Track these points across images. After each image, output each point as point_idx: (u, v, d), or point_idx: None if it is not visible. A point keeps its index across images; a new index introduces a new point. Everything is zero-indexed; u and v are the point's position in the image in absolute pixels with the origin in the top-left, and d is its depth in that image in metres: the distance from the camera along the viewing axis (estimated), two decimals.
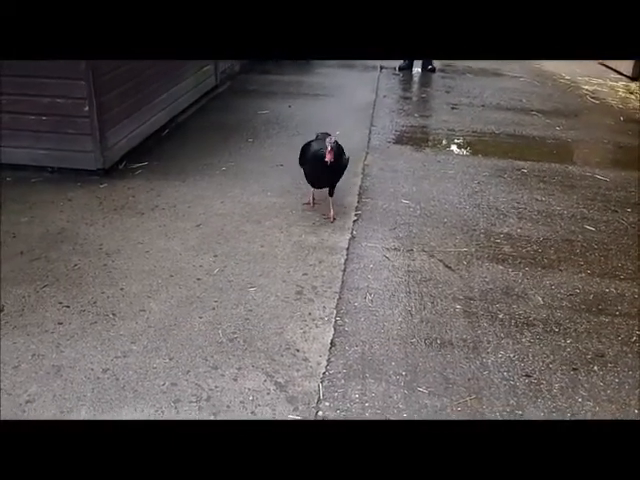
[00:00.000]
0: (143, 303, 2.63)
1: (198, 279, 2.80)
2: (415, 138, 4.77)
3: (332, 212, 3.37)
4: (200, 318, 2.54)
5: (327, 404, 2.12)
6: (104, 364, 2.29)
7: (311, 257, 2.98)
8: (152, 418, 2.06)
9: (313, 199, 3.52)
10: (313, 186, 3.46)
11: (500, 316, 2.60)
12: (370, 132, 4.78)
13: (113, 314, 2.56)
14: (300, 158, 3.51)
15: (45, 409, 2.07)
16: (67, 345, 2.37)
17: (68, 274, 2.81)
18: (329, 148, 3.13)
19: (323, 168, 3.21)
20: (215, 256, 2.98)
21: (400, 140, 4.71)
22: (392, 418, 2.07)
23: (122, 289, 2.72)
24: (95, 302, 2.63)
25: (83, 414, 2.07)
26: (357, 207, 3.52)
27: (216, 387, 2.19)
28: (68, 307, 2.59)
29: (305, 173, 3.44)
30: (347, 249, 3.06)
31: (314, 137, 3.59)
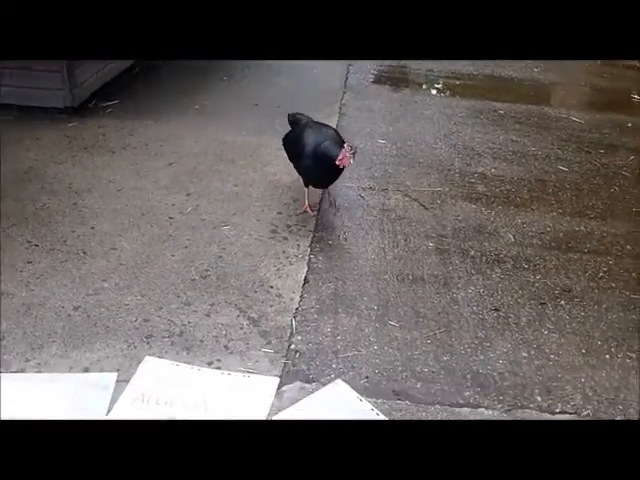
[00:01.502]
0: (114, 241, 2.61)
1: (170, 217, 2.77)
2: (393, 78, 4.70)
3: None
4: (172, 256, 2.53)
5: (299, 338, 2.15)
6: (75, 302, 2.28)
7: (286, 196, 2.97)
8: (124, 353, 2.07)
9: (310, 205, 2.85)
10: (314, 186, 2.84)
11: (471, 253, 2.63)
12: (348, 71, 4.70)
13: (84, 252, 2.53)
14: (289, 151, 2.86)
15: (15, 346, 2.07)
16: (37, 283, 2.35)
17: (37, 213, 2.77)
18: (347, 154, 2.48)
19: (331, 168, 2.56)
20: (188, 195, 2.95)
21: (378, 80, 4.64)
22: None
23: (93, 228, 2.69)
24: (65, 241, 2.60)
25: (54, 350, 2.07)
26: None
27: (189, 323, 2.20)
28: (37, 246, 2.56)
29: (301, 171, 2.78)
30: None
31: (287, 117, 3.02)
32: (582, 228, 2.85)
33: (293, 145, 2.81)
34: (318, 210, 2.87)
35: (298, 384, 2.00)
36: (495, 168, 3.33)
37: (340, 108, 4.00)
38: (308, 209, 2.84)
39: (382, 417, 1.91)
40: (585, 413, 1.96)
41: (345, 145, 2.50)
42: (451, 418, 1.92)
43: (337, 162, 2.48)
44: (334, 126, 3.67)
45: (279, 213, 2.83)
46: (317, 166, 2.62)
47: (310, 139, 2.65)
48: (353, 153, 2.49)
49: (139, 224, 2.72)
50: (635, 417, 1.96)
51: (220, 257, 2.53)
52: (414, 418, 1.91)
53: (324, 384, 2.00)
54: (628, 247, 2.74)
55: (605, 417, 1.95)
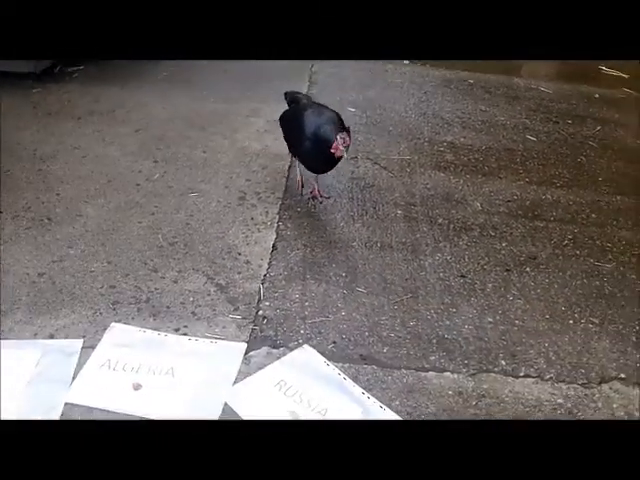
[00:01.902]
0: (80, 208, 2.57)
1: (137, 184, 2.74)
2: None
3: (317, 186, 2.72)
4: (139, 223, 2.50)
5: (267, 304, 2.16)
6: (40, 268, 2.25)
7: (254, 163, 2.94)
8: (90, 320, 2.06)
9: (302, 183, 2.74)
10: (310, 171, 2.66)
11: (439, 221, 2.65)
12: None
13: (48, 219, 2.49)
14: (286, 131, 2.71)
15: None
16: (1, 250, 2.31)
17: (0, 180, 2.71)
18: (340, 147, 2.35)
19: (327, 154, 2.39)
20: (155, 162, 2.91)
21: None
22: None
23: (58, 194, 2.64)
24: (29, 207, 2.55)
25: (19, 316, 2.05)
26: None
27: (156, 289, 2.19)
28: (1, 213, 2.51)
29: (298, 154, 2.65)
30: (292, 155, 3.02)
31: (284, 96, 2.85)
32: (548, 197, 2.88)
33: (291, 125, 2.66)
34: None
35: (265, 349, 2.01)
36: (464, 137, 3.34)
37: (310, 76, 3.96)
38: (299, 187, 2.72)
39: (349, 381, 1.94)
40: (548, 377, 2.01)
41: (338, 137, 2.34)
42: (417, 382, 1.95)
43: (332, 150, 2.35)
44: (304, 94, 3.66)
45: (248, 180, 2.81)
46: (315, 150, 2.46)
47: (310, 120, 2.48)
48: (346, 146, 2.35)
49: (105, 191, 2.68)
50: (597, 380, 2.01)
51: (188, 224, 2.51)
52: (380, 382, 1.94)
53: (291, 349, 2.01)
54: (593, 215, 2.78)
55: (568, 380, 2.00)
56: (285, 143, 2.77)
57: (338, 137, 2.34)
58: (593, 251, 2.56)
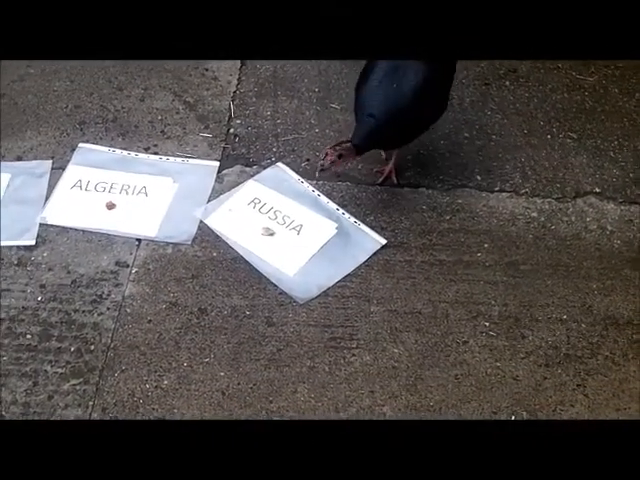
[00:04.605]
0: None
1: None
2: None
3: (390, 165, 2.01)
4: None
5: (238, 122, 2.11)
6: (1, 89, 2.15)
7: None
8: (57, 140, 2.01)
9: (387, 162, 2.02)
10: None
11: None
12: None
13: None
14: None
15: None
16: None
17: None
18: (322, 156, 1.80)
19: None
20: None
21: None
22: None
23: None
24: None
25: None
26: None
27: (122, 108, 2.12)
28: None
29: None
30: None
31: None
32: None
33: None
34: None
35: (238, 167, 1.99)
36: None
37: None
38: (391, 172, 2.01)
39: (323, 197, 1.95)
40: (523, 191, 2.03)
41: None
42: (391, 198, 1.96)
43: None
44: None
45: None
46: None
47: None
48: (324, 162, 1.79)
49: None
50: (572, 195, 2.03)
51: None
52: (355, 198, 1.95)
53: (264, 167, 2.00)
54: None
55: (542, 194, 2.01)
56: None
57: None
58: (575, 64, 2.45)
